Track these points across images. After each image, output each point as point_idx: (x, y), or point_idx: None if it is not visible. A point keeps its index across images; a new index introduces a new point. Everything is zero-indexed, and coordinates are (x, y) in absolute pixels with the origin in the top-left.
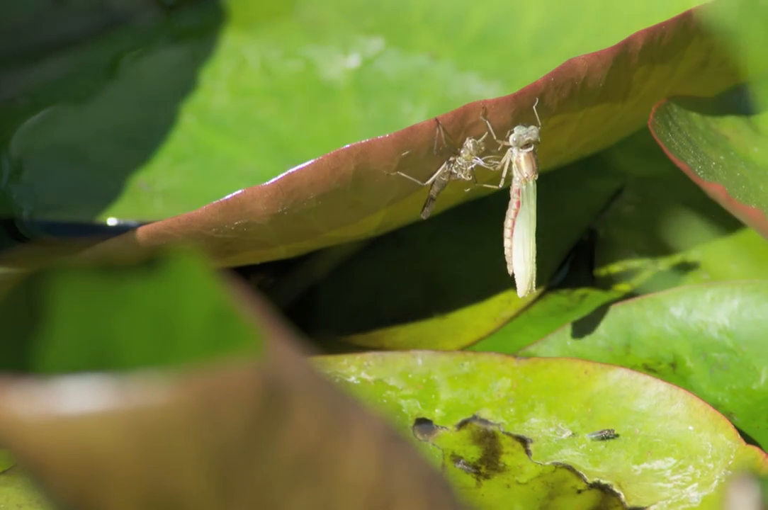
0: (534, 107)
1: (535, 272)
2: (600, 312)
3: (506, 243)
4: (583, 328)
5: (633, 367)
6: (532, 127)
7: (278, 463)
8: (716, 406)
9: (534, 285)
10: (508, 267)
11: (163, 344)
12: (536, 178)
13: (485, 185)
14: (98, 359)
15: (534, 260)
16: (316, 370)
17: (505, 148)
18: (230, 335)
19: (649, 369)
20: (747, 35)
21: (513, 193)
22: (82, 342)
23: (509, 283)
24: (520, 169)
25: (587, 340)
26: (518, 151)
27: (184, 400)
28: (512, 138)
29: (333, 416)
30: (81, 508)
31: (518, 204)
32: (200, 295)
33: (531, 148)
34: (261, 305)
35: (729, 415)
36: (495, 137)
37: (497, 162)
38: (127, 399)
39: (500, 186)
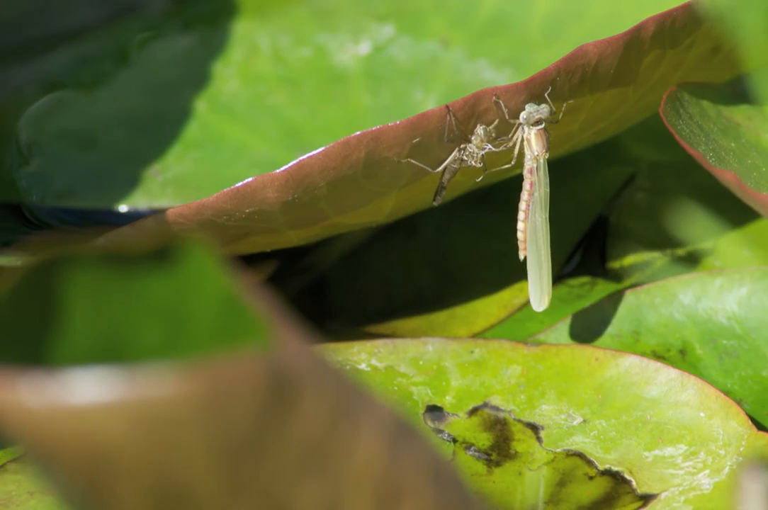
0: (546, 95)
1: (551, 278)
2: (609, 299)
3: (519, 226)
4: (593, 315)
5: (642, 355)
6: (543, 105)
7: (286, 455)
8: (726, 393)
9: (550, 294)
10: (520, 253)
11: (173, 335)
12: (547, 156)
13: (498, 168)
14: (108, 350)
15: (549, 260)
16: (324, 360)
17: (517, 128)
18: (239, 326)
19: (658, 356)
20: (746, 26)
21: (525, 172)
22: (92, 332)
23: (521, 270)
24: (531, 146)
25: (596, 327)
26: (529, 128)
27: (192, 391)
28: (523, 115)
29: (341, 407)
30: (90, 498)
31: (531, 185)
32: (210, 285)
33: (542, 126)
34: (270, 295)
35: (738, 402)
36: (507, 117)
37: (509, 145)
38: (135, 390)
39: (512, 163)
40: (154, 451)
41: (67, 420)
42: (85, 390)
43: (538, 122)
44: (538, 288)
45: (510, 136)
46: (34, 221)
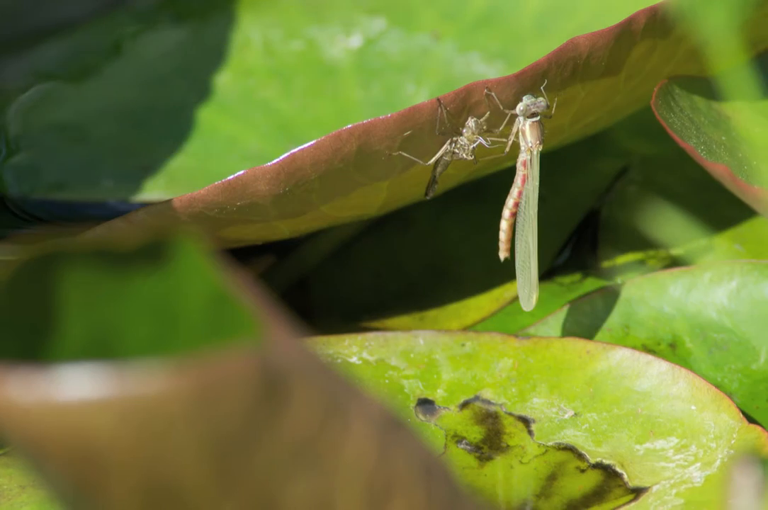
0: (542, 88)
1: (537, 275)
2: (600, 292)
3: (502, 225)
4: (583, 308)
5: (632, 348)
6: (540, 98)
7: (277, 451)
8: (716, 386)
9: (537, 292)
10: (501, 253)
11: (164, 330)
12: (541, 148)
13: (489, 157)
14: (98, 346)
15: (536, 257)
16: (315, 355)
17: (511, 120)
18: (230, 322)
19: (648, 349)
20: (710, 28)
21: (519, 165)
22: (83, 328)
23: (512, 264)
24: (525, 137)
25: (586, 320)
26: (524, 119)
27: (182, 387)
28: (519, 107)
29: (332, 403)
30: (81, 494)
31: (523, 180)
32: (201, 281)
33: (537, 118)
34: (260, 290)
35: (729, 395)
36: (502, 108)
37: (500, 138)
38: (124, 386)
39: (505, 152)
40: (145, 447)
41: (58, 416)
42: (75, 386)
43: (534, 114)
44: (528, 287)
45: (502, 127)
46: (21, 215)
